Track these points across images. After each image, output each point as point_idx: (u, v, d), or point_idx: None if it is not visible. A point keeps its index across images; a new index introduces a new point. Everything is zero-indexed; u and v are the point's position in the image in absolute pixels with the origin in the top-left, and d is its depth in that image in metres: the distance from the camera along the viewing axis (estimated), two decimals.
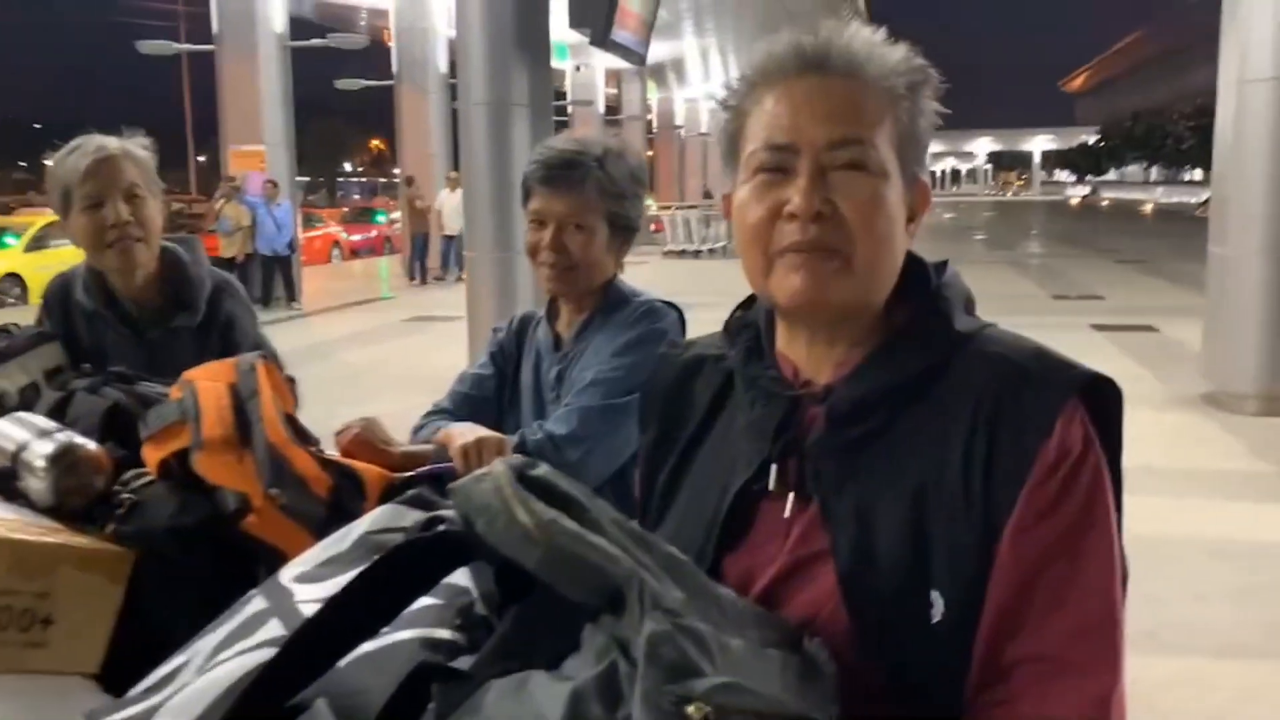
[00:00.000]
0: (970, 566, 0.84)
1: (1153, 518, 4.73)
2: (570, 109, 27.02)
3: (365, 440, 1.52)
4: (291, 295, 13.95)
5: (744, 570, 0.92)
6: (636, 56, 13.23)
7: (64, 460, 1.34)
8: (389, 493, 1.44)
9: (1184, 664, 3.41)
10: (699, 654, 0.67)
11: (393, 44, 18.68)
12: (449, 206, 16.58)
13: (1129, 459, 0.89)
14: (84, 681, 1.25)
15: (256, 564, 1.41)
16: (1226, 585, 4.10)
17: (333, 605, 0.79)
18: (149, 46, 17.13)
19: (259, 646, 0.85)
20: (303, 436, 1.43)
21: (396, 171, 22.59)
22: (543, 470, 0.79)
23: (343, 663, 0.81)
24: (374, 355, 10.15)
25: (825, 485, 0.90)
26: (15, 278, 14.81)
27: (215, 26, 14.50)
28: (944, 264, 0.99)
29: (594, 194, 1.71)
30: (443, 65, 18.39)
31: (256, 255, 13.54)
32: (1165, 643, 3.53)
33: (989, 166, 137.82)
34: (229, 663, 0.85)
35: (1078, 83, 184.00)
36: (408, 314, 13.14)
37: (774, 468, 0.93)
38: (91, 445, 1.37)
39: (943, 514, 0.85)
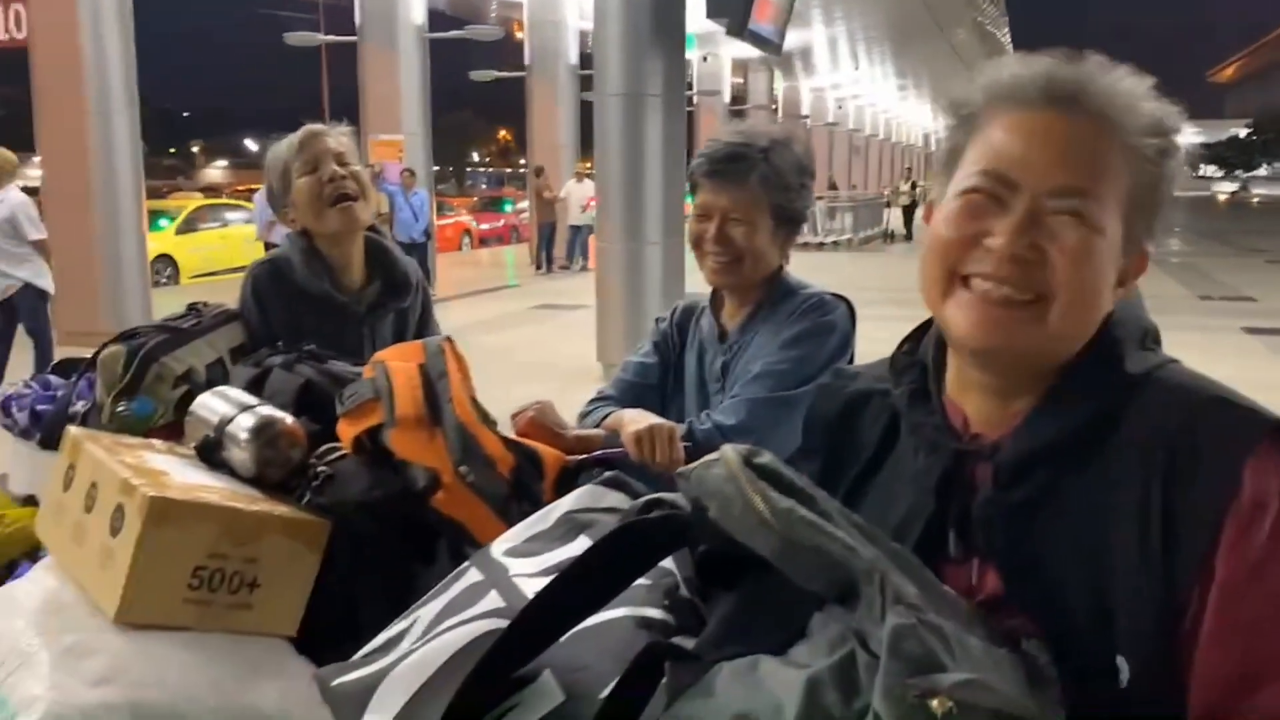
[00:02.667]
0: (1154, 630, 0.79)
1: None
2: (695, 99, 27.00)
3: (541, 423, 1.56)
4: (427, 281, 14.32)
5: None
6: (773, 46, 13.08)
7: (265, 434, 1.41)
8: (563, 475, 1.47)
9: None
10: (942, 649, 0.67)
11: (525, 36, 18.97)
12: (576, 197, 16.77)
13: None
14: (282, 643, 1.32)
15: (437, 539, 1.46)
16: None
17: (561, 581, 0.81)
18: (294, 38, 17.82)
19: (481, 616, 0.88)
20: (485, 417, 1.47)
21: (523, 162, 22.97)
22: (768, 459, 0.79)
23: (564, 638, 0.83)
24: (504, 341, 10.35)
25: (999, 549, 0.86)
26: (167, 259, 15.57)
27: (358, 19, 14.95)
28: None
29: (758, 187, 1.70)
30: (573, 57, 18.58)
31: (394, 242, 13.95)
32: None
33: None
34: (453, 631, 0.88)
35: (1228, 73, 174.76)
36: (534, 302, 13.35)
37: (953, 533, 0.90)
38: (289, 420, 1.44)
39: (1120, 575, 0.81)
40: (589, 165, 15.90)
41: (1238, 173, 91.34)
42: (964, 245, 0.87)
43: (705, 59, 26.62)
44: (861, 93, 38.88)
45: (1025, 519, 0.85)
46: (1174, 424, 0.82)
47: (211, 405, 1.48)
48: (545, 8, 18.45)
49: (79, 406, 1.98)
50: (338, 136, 2.15)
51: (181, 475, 1.33)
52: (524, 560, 0.96)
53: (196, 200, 19.27)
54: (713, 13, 9.79)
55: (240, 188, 29.19)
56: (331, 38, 18.28)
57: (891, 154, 49.71)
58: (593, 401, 1.82)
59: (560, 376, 7.57)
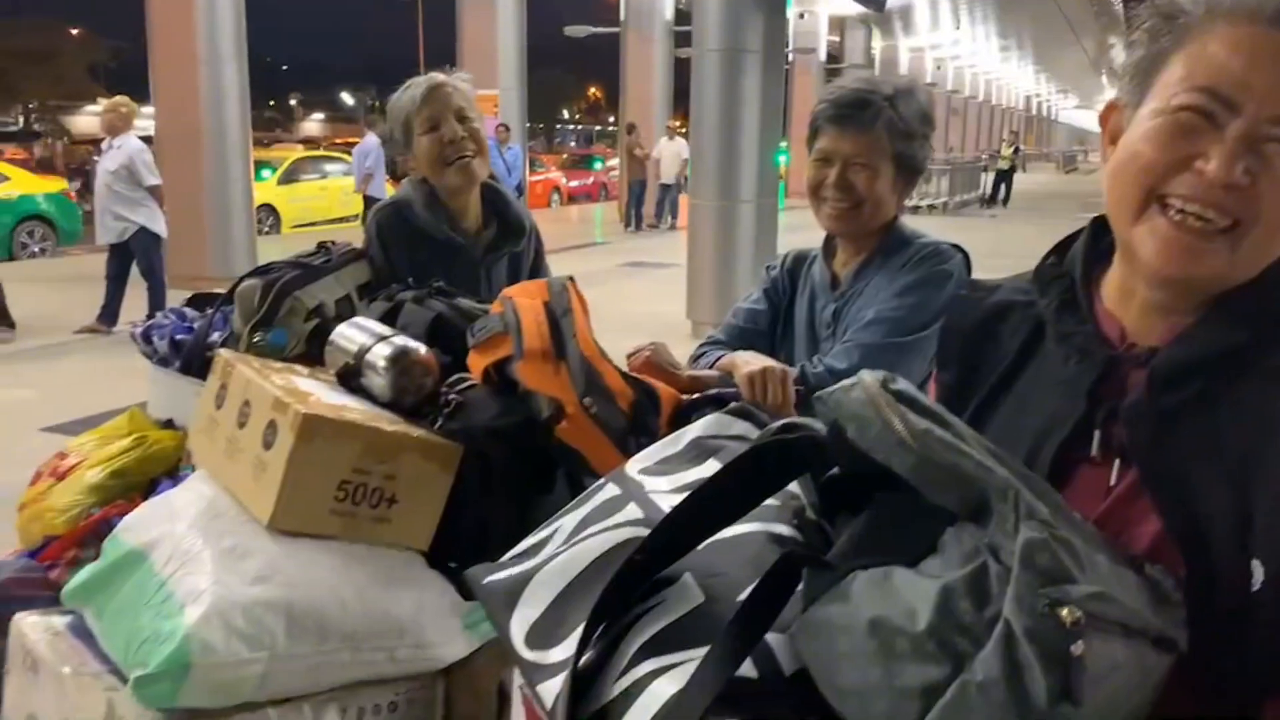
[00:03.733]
0: None
1: None
2: (791, 58, 26.56)
3: (656, 363, 1.61)
4: None
5: None
6: (875, 3, 12.83)
7: (401, 361, 1.49)
8: (678, 413, 1.53)
9: None
10: (1072, 563, 0.71)
11: None
12: (667, 155, 16.74)
13: None
14: (416, 557, 1.41)
15: (555, 468, 1.53)
16: None
17: (702, 491, 0.86)
18: None
19: (621, 525, 0.95)
20: (604, 355, 1.54)
21: (613, 120, 22.94)
22: (903, 385, 0.83)
23: (700, 546, 0.89)
24: (593, 297, 10.07)
25: (1143, 451, 0.88)
26: (269, 208, 16.00)
27: None
28: None
29: (883, 134, 1.72)
30: (668, 13, 18.46)
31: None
32: None
33: None
34: (594, 538, 0.94)
35: None
36: (623, 259, 13.40)
37: (1097, 434, 0.92)
38: (423, 349, 1.52)
39: (1266, 488, 0.83)
40: (680, 125, 15.84)
41: None
42: (1170, 166, 0.86)
43: (802, 16, 26.12)
44: (961, 53, 37.77)
45: (1173, 423, 0.87)
46: None
47: (350, 335, 1.57)
48: None
49: (215, 337, 2.10)
50: (460, 88, 2.20)
51: (326, 396, 1.42)
52: (658, 479, 1.02)
53: (298, 152, 19.74)
54: None
55: (337, 140, 29.70)
56: None
57: (991, 117, 48.27)
58: (703, 345, 1.87)
59: (649, 333, 7.55)
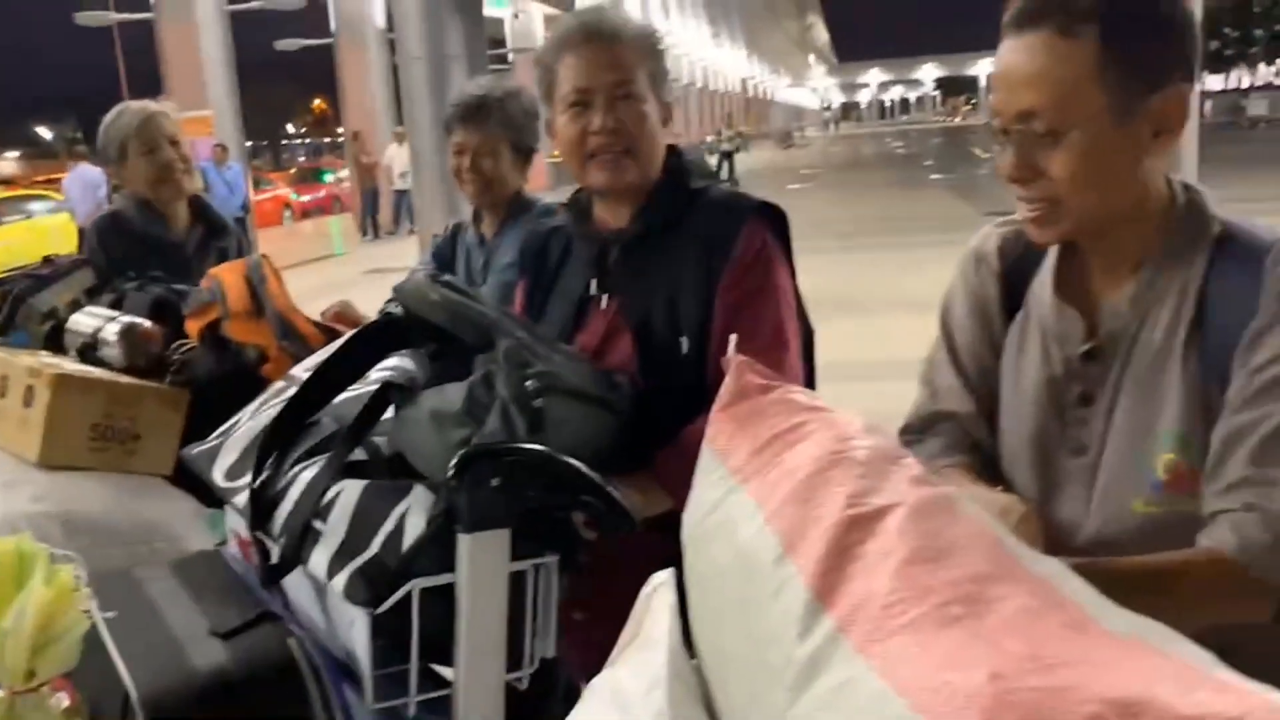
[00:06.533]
0: (700, 320, 1.44)
1: None
2: (511, 57, 27.19)
3: (343, 314, 2.10)
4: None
5: (581, 345, 1.52)
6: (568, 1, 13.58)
7: (130, 335, 1.90)
8: None
9: None
10: (533, 356, 1.26)
11: (330, 2, 18.84)
12: (398, 161, 16.92)
13: None
14: (160, 480, 1.83)
15: None
16: None
17: (324, 365, 1.38)
18: (85, 18, 17.23)
19: (284, 403, 1.43)
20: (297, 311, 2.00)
21: (340, 131, 22.72)
22: (447, 277, 1.38)
23: (336, 401, 1.39)
24: None
25: (620, 285, 1.51)
26: None
27: None
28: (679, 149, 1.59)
29: (498, 127, 2.27)
30: (380, 20, 18.59)
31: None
32: None
33: (937, 93, 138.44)
34: (266, 413, 1.43)
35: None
36: (364, 267, 13.53)
37: (594, 282, 1.53)
38: (147, 323, 1.93)
39: (687, 294, 1.45)
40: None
41: None
42: (581, 135, 1.49)
43: (516, 16, 26.81)
44: (676, 42, 39.70)
45: (636, 268, 1.50)
46: (712, 214, 1.50)
47: (83, 320, 1.96)
48: None
49: None
50: (168, 117, 2.60)
51: (72, 367, 1.82)
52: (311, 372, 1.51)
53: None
54: None
55: (38, 179, 27.61)
56: (125, 15, 17.74)
57: (711, 102, 50.84)
58: (387, 303, 2.37)
59: None
